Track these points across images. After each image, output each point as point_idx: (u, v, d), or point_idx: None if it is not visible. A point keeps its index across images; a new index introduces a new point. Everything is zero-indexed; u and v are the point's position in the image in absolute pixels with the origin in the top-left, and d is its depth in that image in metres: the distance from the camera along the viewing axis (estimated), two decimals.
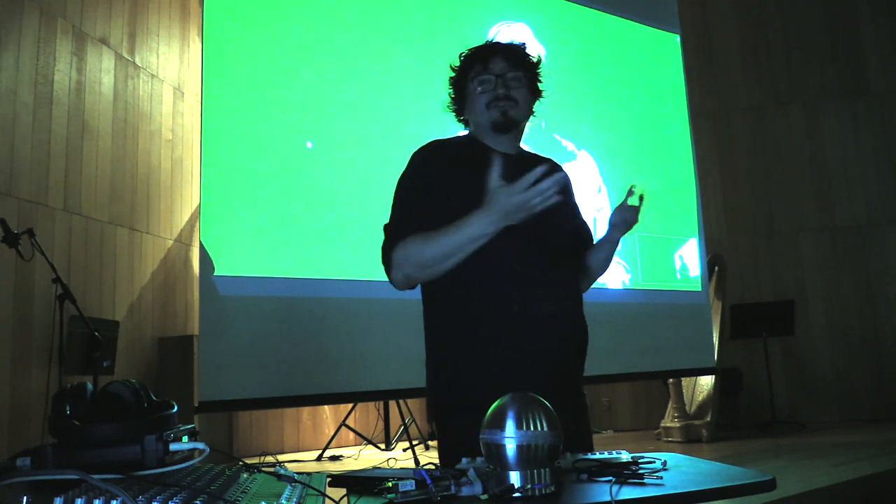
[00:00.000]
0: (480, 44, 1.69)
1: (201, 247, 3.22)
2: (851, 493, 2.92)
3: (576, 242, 1.71)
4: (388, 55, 3.76)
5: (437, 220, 1.48)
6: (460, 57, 1.69)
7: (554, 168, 1.72)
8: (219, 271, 3.17)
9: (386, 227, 1.58)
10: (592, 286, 1.80)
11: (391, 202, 1.61)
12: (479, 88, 1.61)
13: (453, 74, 1.69)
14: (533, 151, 1.76)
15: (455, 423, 1.51)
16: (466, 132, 1.73)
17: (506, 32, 4.13)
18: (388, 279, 1.58)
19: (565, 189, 1.72)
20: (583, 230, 1.76)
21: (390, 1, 3.88)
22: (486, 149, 1.62)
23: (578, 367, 1.61)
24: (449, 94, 1.71)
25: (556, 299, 1.55)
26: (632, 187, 1.67)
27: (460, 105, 1.69)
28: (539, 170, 1.39)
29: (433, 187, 1.56)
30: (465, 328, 1.52)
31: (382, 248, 1.57)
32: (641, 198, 1.61)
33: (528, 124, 1.72)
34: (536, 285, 1.51)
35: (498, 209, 1.40)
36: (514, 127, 1.64)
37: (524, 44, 1.70)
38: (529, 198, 1.38)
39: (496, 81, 1.61)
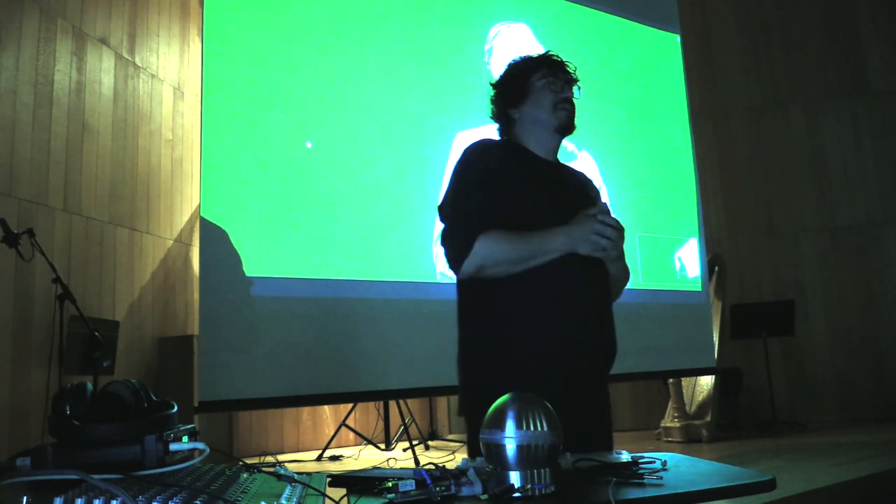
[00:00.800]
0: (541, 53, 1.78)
1: (201, 247, 3.22)
2: (851, 493, 2.92)
3: None
4: (388, 55, 3.76)
5: (501, 218, 1.56)
6: (521, 59, 1.76)
7: (588, 180, 1.85)
8: (219, 271, 3.17)
9: (452, 216, 1.62)
10: None
11: (448, 188, 1.66)
12: (549, 87, 1.69)
13: (511, 71, 1.75)
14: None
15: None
16: (500, 138, 1.78)
17: (506, 33, 4.14)
18: (448, 263, 1.61)
19: (597, 196, 1.83)
20: None
21: (390, 1, 3.88)
22: (534, 157, 1.70)
23: (609, 368, 1.67)
24: (492, 96, 1.75)
25: (594, 301, 1.61)
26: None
27: (518, 100, 1.72)
28: (616, 222, 1.53)
29: (494, 185, 1.61)
30: (505, 326, 1.57)
31: (452, 233, 1.60)
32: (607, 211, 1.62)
33: None
34: (577, 287, 1.57)
35: (579, 235, 1.53)
36: (570, 133, 1.73)
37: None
38: (607, 245, 1.52)
39: (564, 85, 1.70)
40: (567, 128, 1.71)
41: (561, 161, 1.80)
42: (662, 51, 4.97)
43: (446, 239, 1.62)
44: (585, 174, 1.85)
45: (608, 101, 4.57)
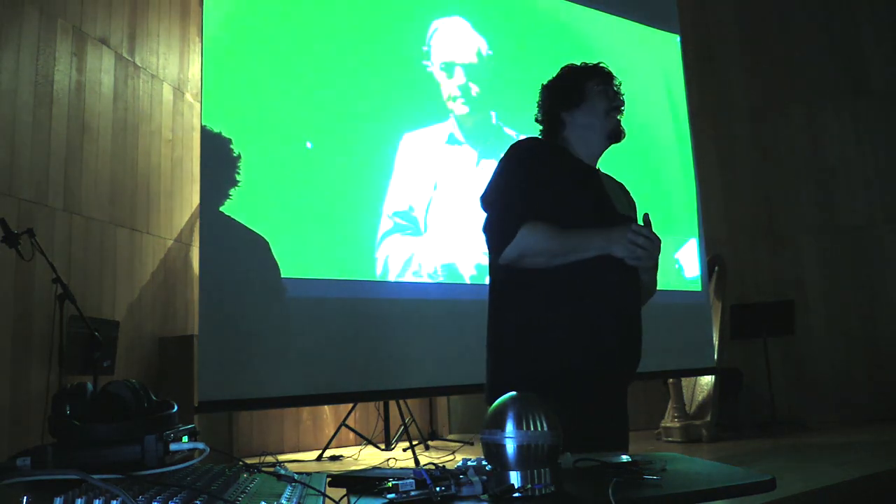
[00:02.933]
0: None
1: (201, 246, 3.22)
2: (851, 493, 2.91)
3: None
4: (388, 55, 3.76)
5: (545, 213, 1.61)
6: (575, 65, 1.83)
7: (624, 188, 1.91)
8: (219, 271, 3.17)
9: (499, 205, 1.66)
10: None
11: (493, 179, 1.70)
12: (605, 93, 1.76)
13: (567, 76, 1.81)
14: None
15: None
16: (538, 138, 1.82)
17: (445, 26, 4.07)
18: (489, 250, 1.66)
19: (633, 202, 1.90)
20: None
21: (390, 1, 3.88)
22: (578, 161, 1.75)
23: (635, 371, 1.77)
24: (544, 96, 1.81)
25: (628, 302, 1.68)
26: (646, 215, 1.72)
27: (573, 104, 1.77)
28: (653, 234, 1.58)
29: (541, 181, 1.65)
30: (540, 320, 1.61)
31: (496, 221, 1.65)
32: (648, 222, 1.66)
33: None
34: (613, 287, 1.62)
35: (619, 239, 1.57)
36: (622, 139, 1.79)
37: None
38: (642, 255, 1.56)
39: (617, 94, 1.78)
40: (618, 135, 1.77)
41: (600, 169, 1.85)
42: (662, 51, 4.97)
43: (490, 226, 1.66)
44: (622, 183, 1.91)
45: None
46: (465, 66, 3.97)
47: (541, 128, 1.83)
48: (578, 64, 1.85)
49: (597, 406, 1.56)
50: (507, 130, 4.04)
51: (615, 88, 1.80)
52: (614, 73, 1.84)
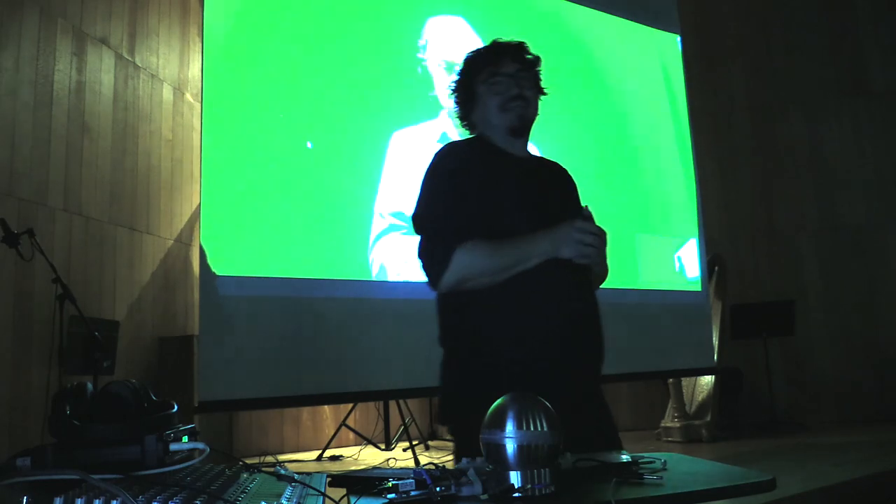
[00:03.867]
0: (486, 45, 1.67)
1: (201, 247, 3.22)
2: (851, 493, 2.91)
3: None
4: (388, 55, 3.76)
5: (474, 221, 1.50)
6: (466, 59, 1.67)
7: (563, 170, 1.77)
8: (219, 271, 3.17)
9: (426, 229, 1.55)
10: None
11: (418, 197, 1.58)
12: (492, 90, 1.59)
13: (458, 78, 1.66)
14: (538, 154, 1.76)
15: (475, 426, 1.51)
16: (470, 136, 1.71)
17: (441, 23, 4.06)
18: (427, 278, 1.54)
19: (573, 189, 1.75)
20: None
21: (391, 1, 3.88)
22: (502, 153, 1.61)
23: (599, 368, 1.63)
24: (454, 98, 1.68)
25: (580, 301, 1.56)
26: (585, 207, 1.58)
27: (468, 108, 1.65)
28: (598, 228, 1.47)
29: (462, 188, 1.54)
30: (489, 331, 1.52)
31: (427, 246, 1.53)
32: (589, 215, 1.54)
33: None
34: (562, 287, 1.51)
35: (562, 241, 1.46)
36: (529, 129, 1.64)
37: (524, 42, 1.68)
38: (590, 253, 1.46)
39: (508, 82, 1.59)
40: (520, 128, 1.61)
41: (536, 155, 1.73)
42: (662, 51, 4.97)
43: (423, 253, 1.54)
44: (561, 165, 1.77)
45: (608, 101, 4.57)
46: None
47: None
48: (471, 54, 1.66)
49: (565, 409, 1.48)
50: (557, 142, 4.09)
51: (513, 72, 1.60)
52: (510, 47, 1.62)
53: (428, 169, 1.60)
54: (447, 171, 1.58)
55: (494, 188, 1.54)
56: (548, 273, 1.49)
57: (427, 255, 1.53)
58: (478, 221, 1.50)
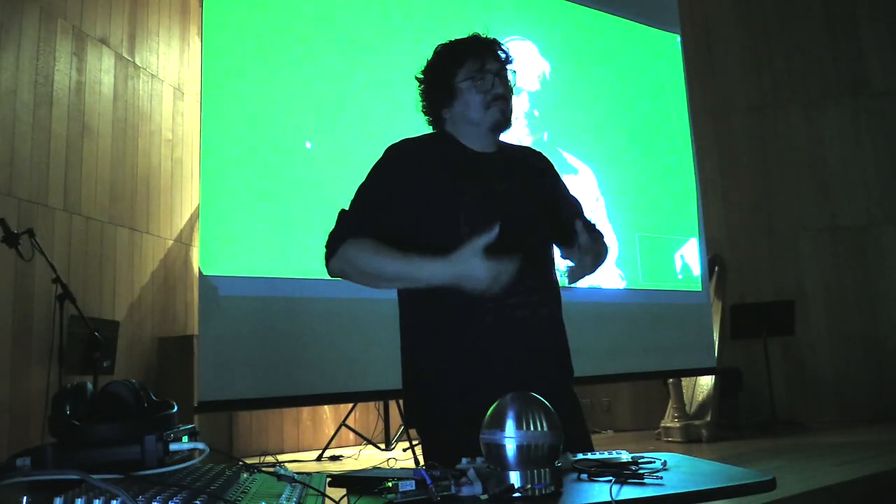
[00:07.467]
0: (463, 38, 1.63)
1: (201, 247, 3.22)
2: (851, 493, 2.92)
3: (558, 227, 1.63)
4: (388, 55, 3.75)
5: (398, 225, 1.48)
6: (445, 51, 1.62)
7: (535, 156, 1.71)
8: (219, 271, 3.17)
9: (343, 214, 1.54)
10: (589, 285, 1.76)
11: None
12: (476, 86, 1.55)
13: (434, 69, 1.61)
14: (510, 143, 1.69)
15: (436, 431, 1.50)
16: (433, 131, 1.67)
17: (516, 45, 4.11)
18: (325, 261, 1.54)
19: (544, 172, 1.69)
20: (566, 210, 1.67)
21: (391, 1, 3.88)
22: (464, 151, 1.58)
23: (563, 370, 1.58)
24: (420, 90, 1.63)
25: (532, 304, 1.50)
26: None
27: (441, 103, 1.60)
28: (513, 267, 1.35)
29: (402, 191, 1.52)
30: (443, 336, 1.49)
31: (333, 231, 1.52)
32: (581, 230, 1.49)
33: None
34: (512, 289, 1.41)
35: (461, 272, 1.35)
36: (508, 128, 1.60)
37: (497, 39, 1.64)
38: (494, 286, 1.35)
39: (493, 80, 1.56)
40: (501, 125, 1.57)
41: (508, 144, 1.67)
42: (662, 51, 4.97)
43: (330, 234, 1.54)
44: (542, 156, 1.71)
45: (608, 101, 4.57)
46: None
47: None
48: (447, 45, 1.62)
49: None
50: (558, 147, 4.04)
51: (496, 69, 1.56)
52: (493, 44, 1.59)
53: (377, 163, 1.59)
54: (383, 168, 1.58)
55: (445, 184, 1.51)
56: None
57: (329, 237, 1.52)
58: (391, 229, 1.48)
